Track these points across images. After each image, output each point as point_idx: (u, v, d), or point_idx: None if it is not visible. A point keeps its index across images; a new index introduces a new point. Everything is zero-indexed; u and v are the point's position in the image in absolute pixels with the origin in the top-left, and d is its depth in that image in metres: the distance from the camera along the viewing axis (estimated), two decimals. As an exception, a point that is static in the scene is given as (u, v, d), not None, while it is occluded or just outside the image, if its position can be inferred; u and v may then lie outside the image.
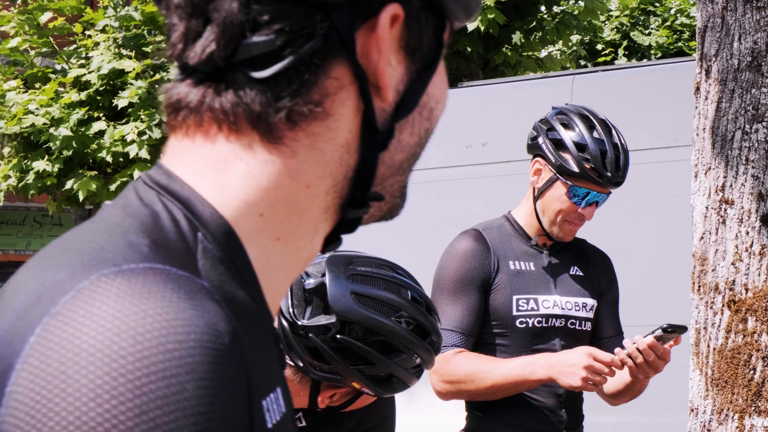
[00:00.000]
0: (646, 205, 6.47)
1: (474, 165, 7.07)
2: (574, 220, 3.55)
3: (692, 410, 3.65)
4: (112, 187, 12.73)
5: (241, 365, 0.91)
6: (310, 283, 2.42)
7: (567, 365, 3.36)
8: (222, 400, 0.88)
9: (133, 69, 12.73)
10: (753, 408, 3.45)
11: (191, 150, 1.03)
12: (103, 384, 0.86)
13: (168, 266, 0.93)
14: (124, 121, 12.79)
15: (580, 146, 3.49)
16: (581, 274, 3.65)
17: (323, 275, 2.41)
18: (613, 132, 3.55)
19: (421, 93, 1.06)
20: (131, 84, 12.72)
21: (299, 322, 2.41)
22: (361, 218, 1.08)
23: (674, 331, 3.31)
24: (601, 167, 3.47)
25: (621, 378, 3.51)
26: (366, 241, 7.28)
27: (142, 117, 12.55)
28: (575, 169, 3.48)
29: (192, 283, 0.92)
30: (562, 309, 3.56)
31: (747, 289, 3.57)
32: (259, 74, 1.00)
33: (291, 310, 2.43)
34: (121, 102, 12.63)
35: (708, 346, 3.59)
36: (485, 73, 13.21)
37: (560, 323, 3.56)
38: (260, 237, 1.01)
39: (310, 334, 2.40)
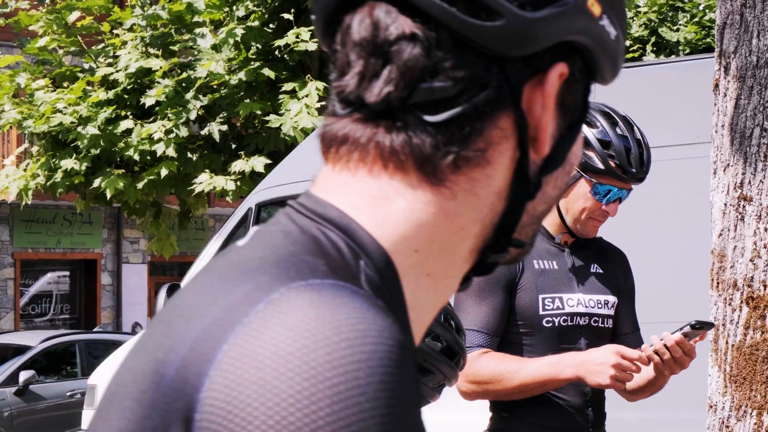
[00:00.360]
0: (668, 202, 6.46)
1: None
2: (598, 217, 3.55)
3: (711, 407, 3.66)
4: (140, 185, 12.77)
5: (418, 381, 0.97)
6: None
7: (595, 364, 3.36)
8: (408, 411, 0.92)
9: (160, 67, 12.78)
10: (772, 405, 3.45)
11: (351, 184, 1.06)
12: (302, 390, 0.89)
13: (348, 284, 0.97)
14: (151, 119, 12.84)
15: (605, 143, 3.48)
16: (601, 271, 3.65)
17: None
18: (635, 128, 3.54)
19: (569, 149, 1.10)
20: (158, 82, 12.77)
21: None
22: (498, 262, 1.12)
23: (701, 327, 3.31)
24: (625, 163, 3.47)
25: (644, 374, 3.50)
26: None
27: (169, 115, 12.59)
28: (600, 166, 3.47)
29: (372, 300, 0.96)
30: (586, 307, 3.56)
31: (765, 286, 3.57)
32: (432, 118, 1.04)
33: None
34: (148, 100, 12.68)
35: (726, 343, 3.59)
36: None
37: (584, 321, 3.56)
38: (413, 272, 1.05)
39: None
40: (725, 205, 3.81)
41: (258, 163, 12.04)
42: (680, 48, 19.81)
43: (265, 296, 0.94)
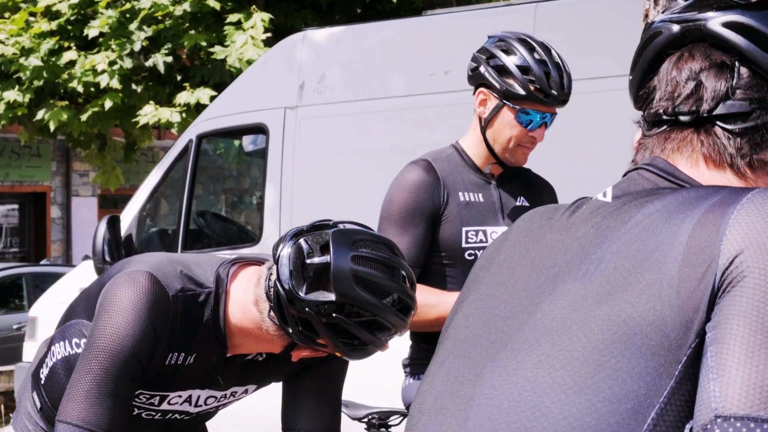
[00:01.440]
0: (609, 132, 6.47)
1: (437, 93, 7.04)
2: (526, 144, 3.54)
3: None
4: (83, 117, 12.64)
5: None
6: (314, 260, 2.49)
7: None
8: None
9: (104, -2, 12.62)
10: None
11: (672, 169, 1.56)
12: None
13: None
14: (95, 50, 12.68)
15: (524, 69, 3.47)
16: (527, 204, 3.65)
17: (325, 251, 2.49)
18: (553, 52, 3.54)
19: None
20: (102, 13, 12.61)
21: (298, 295, 2.48)
22: None
23: None
24: (546, 87, 3.46)
25: None
26: (333, 169, 7.29)
27: (113, 47, 12.44)
28: (521, 91, 3.46)
29: None
30: None
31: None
32: (732, 127, 1.53)
33: (291, 280, 2.49)
34: (91, 32, 12.52)
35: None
36: (459, 1, 13.13)
37: None
38: None
39: (307, 309, 2.48)
40: (653, 135, 3.81)
41: (203, 94, 11.93)
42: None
43: (743, 195, 1.42)
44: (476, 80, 3.56)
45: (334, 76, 7.43)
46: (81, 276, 8.47)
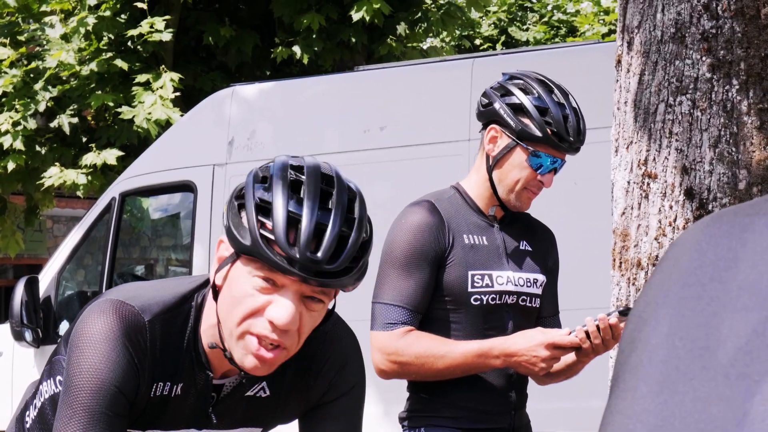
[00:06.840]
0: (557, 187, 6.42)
1: (372, 149, 6.94)
2: (532, 188, 3.41)
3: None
4: (-14, 179, 12.29)
5: None
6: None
7: (530, 357, 3.24)
8: None
9: (8, 57, 12.32)
10: (679, 385, 3.38)
11: None
12: None
13: None
14: (-3, 110, 12.37)
15: (542, 110, 3.36)
16: (530, 249, 3.52)
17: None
18: (570, 97, 3.44)
19: None
20: (5, 72, 12.31)
21: (228, 223, 2.28)
22: None
23: (627, 313, 3.25)
24: (563, 131, 3.36)
25: (565, 357, 3.39)
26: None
27: (17, 107, 12.13)
28: (538, 133, 3.35)
29: None
30: (515, 285, 3.42)
31: (671, 265, 3.50)
32: None
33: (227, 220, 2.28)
34: (-6, 91, 12.22)
35: (632, 323, 3.51)
36: (368, 61, 13.10)
37: (512, 300, 3.41)
38: None
39: (229, 220, 2.28)
40: (628, 183, 3.74)
41: (110, 155, 11.66)
42: (530, 47, 20.06)
43: None
44: (487, 117, 3.43)
45: (264, 132, 7.29)
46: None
